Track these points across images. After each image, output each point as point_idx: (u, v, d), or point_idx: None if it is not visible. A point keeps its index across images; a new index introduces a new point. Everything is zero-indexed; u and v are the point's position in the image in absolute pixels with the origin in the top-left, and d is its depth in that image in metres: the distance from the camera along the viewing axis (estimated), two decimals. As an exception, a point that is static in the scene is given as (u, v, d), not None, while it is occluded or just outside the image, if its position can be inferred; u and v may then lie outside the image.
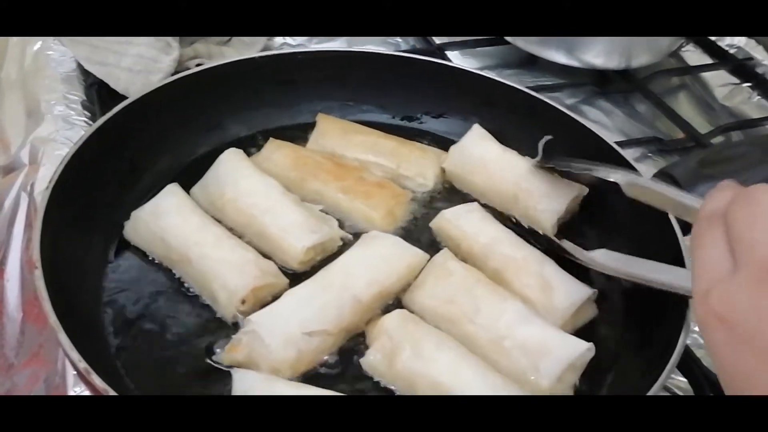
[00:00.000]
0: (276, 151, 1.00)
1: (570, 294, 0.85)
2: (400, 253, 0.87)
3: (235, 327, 0.80)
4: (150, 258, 0.87)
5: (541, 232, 0.93)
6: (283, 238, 0.87)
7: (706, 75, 1.37)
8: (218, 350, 0.78)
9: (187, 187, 0.93)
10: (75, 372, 0.75)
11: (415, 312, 0.83)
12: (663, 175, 0.89)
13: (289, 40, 1.34)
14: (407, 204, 0.98)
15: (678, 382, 0.85)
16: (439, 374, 0.74)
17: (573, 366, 0.77)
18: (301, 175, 0.97)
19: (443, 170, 1.02)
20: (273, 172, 0.97)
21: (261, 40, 1.23)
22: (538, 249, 0.90)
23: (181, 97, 0.99)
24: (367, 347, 0.79)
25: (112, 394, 0.65)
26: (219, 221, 0.90)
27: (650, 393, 0.69)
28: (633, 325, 0.86)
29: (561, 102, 1.16)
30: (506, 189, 0.98)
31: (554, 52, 1.28)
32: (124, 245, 0.88)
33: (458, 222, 0.93)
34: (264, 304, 0.81)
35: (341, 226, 0.93)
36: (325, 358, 0.79)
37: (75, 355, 0.66)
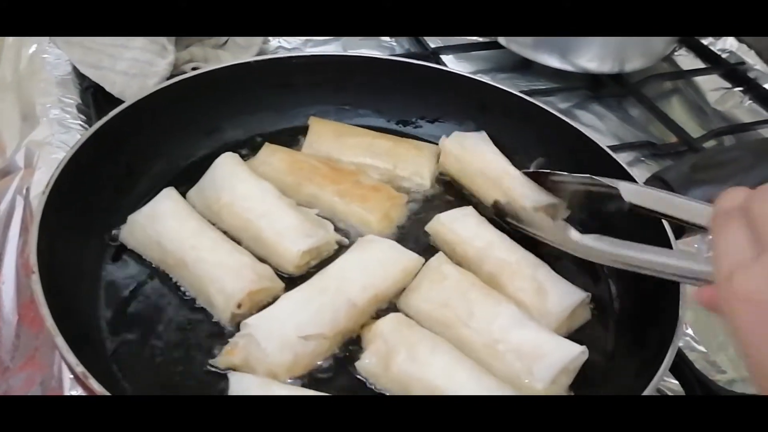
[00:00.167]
0: (272, 155, 1.01)
1: (563, 297, 0.85)
2: (395, 257, 0.88)
3: (232, 331, 0.81)
4: (146, 262, 0.87)
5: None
6: (278, 242, 0.88)
7: (699, 79, 1.38)
8: (215, 354, 0.79)
9: (183, 191, 0.94)
10: (71, 376, 0.75)
11: (410, 316, 0.84)
12: (656, 180, 0.89)
13: (284, 44, 1.34)
14: (403, 207, 0.99)
15: (670, 384, 0.86)
16: (434, 378, 0.75)
17: (566, 369, 0.78)
18: (297, 179, 0.98)
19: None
20: (269, 176, 0.97)
21: (257, 44, 1.23)
22: (532, 252, 0.91)
23: (178, 100, 0.99)
24: (362, 351, 0.80)
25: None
26: (215, 225, 0.90)
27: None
28: (626, 328, 0.87)
29: (554, 106, 1.17)
30: (494, 169, 0.99)
31: (548, 56, 1.29)
32: (121, 249, 0.88)
33: (453, 226, 0.93)
34: (260, 308, 0.81)
35: (337, 229, 0.94)
36: (321, 361, 0.79)
37: (72, 359, 0.66)
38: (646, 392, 0.70)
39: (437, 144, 1.06)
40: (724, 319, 0.53)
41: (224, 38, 1.23)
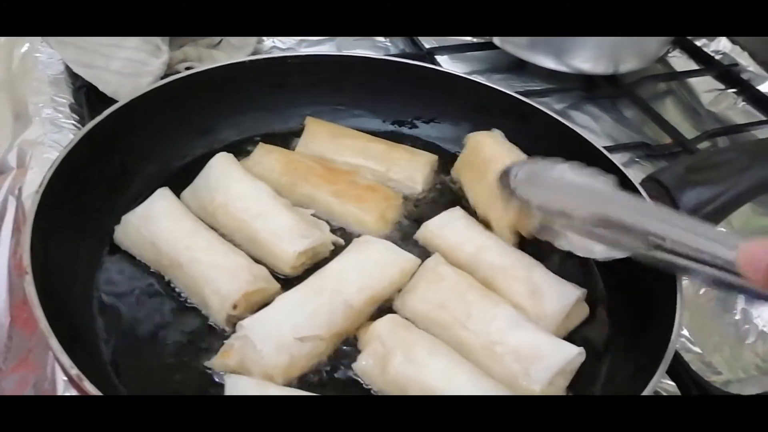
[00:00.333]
0: (266, 155, 1.00)
1: (559, 298, 0.85)
2: (391, 258, 0.88)
3: (227, 332, 0.80)
4: (141, 263, 0.87)
5: None
6: (274, 243, 0.87)
7: (693, 81, 1.39)
8: (210, 355, 0.78)
9: (177, 192, 0.93)
10: (65, 377, 0.74)
11: (406, 317, 0.83)
12: (651, 180, 0.89)
13: (278, 43, 1.34)
14: (399, 207, 0.98)
15: (666, 386, 0.86)
16: (432, 379, 0.75)
17: (564, 370, 0.78)
18: (292, 180, 0.97)
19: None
20: (264, 176, 0.96)
21: (251, 44, 1.23)
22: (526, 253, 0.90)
23: (171, 100, 0.98)
24: (359, 352, 0.80)
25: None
26: (210, 226, 0.90)
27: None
28: (623, 329, 0.87)
29: (549, 107, 1.17)
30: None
31: (542, 57, 1.29)
32: (115, 250, 0.88)
33: (441, 232, 0.92)
34: (256, 309, 0.81)
35: (332, 230, 0.93)
36: (317, 363, 0.79)
37: (66, 361, 0.66)
38: (645, 393, 0.70)
39: (434, 145, 1.06)
40: None
41: (218, 38, 1.23)
